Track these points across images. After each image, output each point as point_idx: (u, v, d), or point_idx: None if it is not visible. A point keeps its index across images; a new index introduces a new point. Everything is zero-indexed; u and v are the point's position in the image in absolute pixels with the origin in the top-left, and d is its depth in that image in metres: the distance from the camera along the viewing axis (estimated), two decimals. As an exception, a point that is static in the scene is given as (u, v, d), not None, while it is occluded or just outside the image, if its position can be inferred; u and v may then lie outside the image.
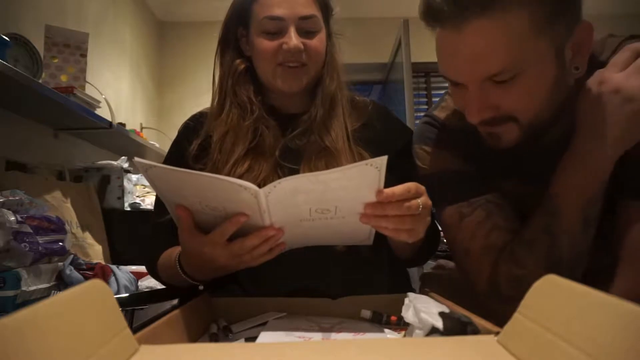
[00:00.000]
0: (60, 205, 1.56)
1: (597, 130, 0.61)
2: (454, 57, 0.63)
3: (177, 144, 0.90)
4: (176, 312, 0.55)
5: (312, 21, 0.82)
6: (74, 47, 1.71)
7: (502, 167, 0.73)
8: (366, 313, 0.64)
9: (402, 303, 0.55)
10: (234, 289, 0.82)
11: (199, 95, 3.04)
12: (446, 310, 0.48)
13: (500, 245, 0.69)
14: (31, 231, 1.01)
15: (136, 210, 1.87)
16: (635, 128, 0.60)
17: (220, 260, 0.62)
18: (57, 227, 1.10)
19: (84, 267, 1.18)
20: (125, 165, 1.91)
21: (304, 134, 0.84)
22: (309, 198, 0.56)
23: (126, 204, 1.86)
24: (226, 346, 0.44)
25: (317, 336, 0.55)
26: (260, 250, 0.61)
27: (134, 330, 0.40)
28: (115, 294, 1.15)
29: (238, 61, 0.88)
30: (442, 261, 1.01)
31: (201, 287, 0.79)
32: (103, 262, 1.41)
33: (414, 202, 0.58)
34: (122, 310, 0.38)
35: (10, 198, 1.04)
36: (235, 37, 0.89)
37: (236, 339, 0.60)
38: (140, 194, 1.98)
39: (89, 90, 1.80)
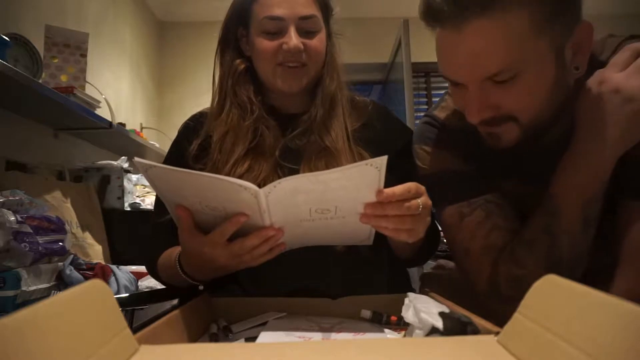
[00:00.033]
0: (60, 205, 1.56)
1: (597, 130, 0.61)
2: (454, 57, 0.63)
3: (177, 144, 0.90)
4: (176, 312, 0.55)
5: (312, 21, 0.82)
6: (74, 47, 1.71)
7: (502, 167, 0.73)
8: (366, 313, 0.64)
9: (402, 303, 0.55)
10: (234, 289, 0.82)
11: (199, 95, 3.04)
12: (446, 310, 0.48)
13: (500, 245, 0.69)
14: (31, 231, 1.01)
15: (136, 210, 1.87)
16: (635, 128, 0.60)
17: (220, 260, 0.62)
18: (57, 227, 1.10)
19: (84, 267, 1.18)
20: (125, 165, 1.91)
21: (304, 134, 0.84)
22: (309, 198, 0.56)
23: (126, 204, 1.86)
24: (226, 346, 0.44)
25: (317, 336, 0.55)
26: (260, 250, 0.61)
27: (134, 330, 0.40)
28: (115, 294, 1.15)
29: (238, 61, 0.88)
30: (442, 261, 1.01)
31: (201, 287, 0.79)
32: (103, 262, 1.41)
33: (414, 202, 0.58)
34: (122, 310, 0.38)
35: (10, 198, 1.04)
36: (235, 37, 0.89)
37: (236, 339, 0.60)
38: (140, 194, 1.98)
39: (89, 90, 1.80)
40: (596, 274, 0.63)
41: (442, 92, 0.79)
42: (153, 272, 0.85)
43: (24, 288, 0.96)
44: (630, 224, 0.62)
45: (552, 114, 0.65)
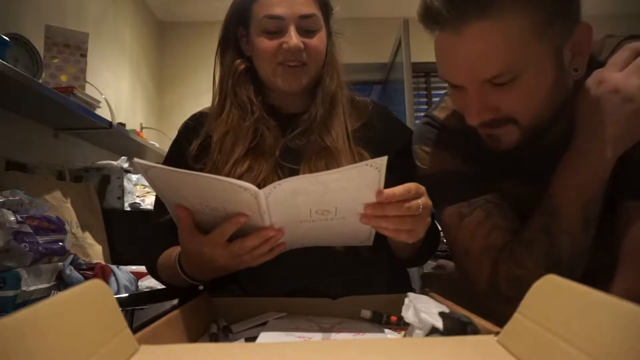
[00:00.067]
0: (60, 205, 1.56)
1: (597, 130, 0.61)
2: (453, 60, 0.63)
3: (177, 144, 0.90)
4: (176, 312, 0.55)
5: (312, 20, 0.82)
6: (74, 47, 1.71)
7: (502, 167, 0.73)
8: (366, 313, 0.64)
9: (402, 303, 0.55)
10: (234, 289, 0.82)
11: (199, 95, 3.04)
12: (446, 310, 0.48)
13: (500, 245, 0.69)
14: (31, 231, 1.01)
15: (136, 210, 1.87)
16: (635, 128, 0.60)
17: (220, 260, 0.62)
18: (57, 227, 1.10)
19: (84, 267, 1.18)
20: (125, 165, 1.91)
21: (304, 133, 0.84)
22: (309, 199, 0.56)
23: (126, 204, 1.86)
24: (226, 346, 0.44)
25: (317, 336, 0.55)
26: (260, 251, 0.61)
27: (134, 330, 0.40)
28: (115, 294, 1.15)
29: (238, 61, 0.88)
30: (442, 261, 1.01)
31: (201, 287, 0.79)
32: (103, 262, 1.41)
33: (414, 202, 0.58)
34: (122, 310, 0.38)
35: (10, 198, 1.04)
36: (235, 37, 0.89)
37: (236, 339, 0.60)
38: (140, 194, 1.98)
39: (89, 90, 1.80)
40: (596, 274, 0.63)
41: (442, 92, 0.79)
42: (153, 272, 0.85)
43: (24, 288, 0.96)
44: (630, 224, 0.62)
45: (551, 115, 0.65)
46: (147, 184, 1.93)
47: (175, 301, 0.98)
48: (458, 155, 0.75)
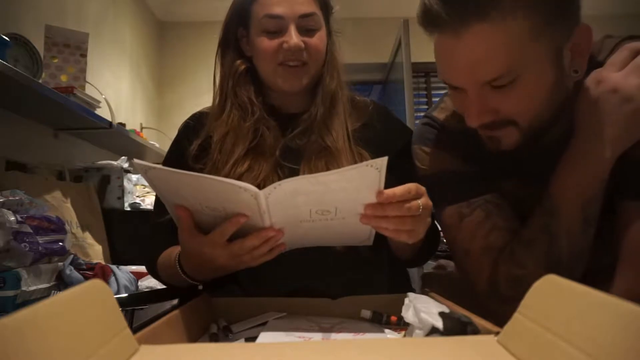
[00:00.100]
0: (60, 205, 1.56)
1: (596, 129, 0.61)
2: (452, 63, 0.63)
3: (177, 143, 0.90)
4: (176, 312, 0.55)
5: (312, 19, 0.82)
6: (74, 47, 1.71)
7: (502, 167, 0.73)
8: (366, 313, 0.64)
9: (402, 303, 0.55)
10: (234, 289, 0.82)
11: (199, 95, 3.04)
12: (446, 310, 0.48)
13: (500, 245, 0.69)
14: (31, 231, 1.01)
15: (136, 210, 1.87)
16: (634, 127, 0.60)
17: (220, 260, 0.62)
18: (57, 227, 1.10)
19: (84, 267, 1.18)
20: (125, 165, 1.91)
21: (305, 133, 0.84)
22: (309, 199, 0.56)
23: (126, 204, 1.86)
24: (226, 346, 0.44)
25: (317, 336, 0.55)
26: (260, 251, 0.61)
27: (134, 330, 0.40)
28: (115, 294, 1.15)
29: (238, 62, 0.88)
30: (442, 261, 1.01)
31: (200, 287, 0.79)
32: (103, 262, 1.41)
33: (414, 203, 0.58)
34: (122, 310, 0.38)
35: (10, 198, 1.04)
36: (235, 37, 0.89)
37: (236, 339, 0.60)
38: (140, 194, 1.98)
39: (89, 90, 1.80)
40: (596, 274, 0.63)
41: (442, 92, 0.79)
42: (153, 272, 0.85)
43: (24, 288, 0.96)
44: (630, 224, 0.62)
45: (551, 116, 0.65)
46: (147, 184, 1.93)
47: (175, 301, 0.98)
48: (458, 156, 0.75)
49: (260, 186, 0.73)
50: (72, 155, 1.93)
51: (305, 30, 0.82)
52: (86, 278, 1.12)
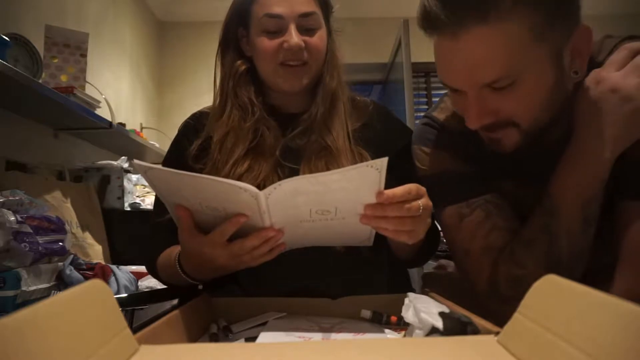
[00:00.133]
0: (60, 205, 1.56)
1: (596, 129, 0.61)
2: (451, 65, 0.63)
3: (177, 143, 0.90)
4: (176, 312, 0.55)
5: (312, 18, 0.82)
6: (74, 47, 1.71)
7: (502, 167, 0.73)
8: (366, 313, 0.64)
9: (402, 303, 0.55)
10: (234, 289, 0.82)
11: (199, 95, 3.04)
12: (446, 310, 0.48)
13: (500, 245, 0.69)
14: (31, 231, 1.01)
15: (136, 210, 1.87)
16: (634, 127, 0.60)
17: (220, 260, 0.62)
18: (57, 227, 1.10)
19: (84, 267, 1.18)
20: (125, 165, 1.91)
21: (305, 132, 0.84)
22: (309, 199, 0.56)
23: (126, 204, 1.86)
24: (226, 346, 0.44)
25: (317, 336, 0.55)
26: (260, 251, 0.61)
27: (134, 330, 0.40)
28: (115, 294, 1.15)
29: (239, 62, 0.88)
30: (443, 261, 1.01)
31: (200, 287, 0.79)
32: (103, 262, 1.41)
33: (414, 203, 0.58)
34: (122, 310, 0.38)
35: (10, 198, 1.04)
36: (235, 37, 0.89)
37: (236, 339, 0.60)
38: (140, 194, 1.98)
39: (89, 90, 1.80)
40: (596, 274, 0.63)
41: (442, 92, 0.79)
42: (153, 272, 0.85)
43: (24, 288, 0.96)
44: (630, 224, 0.62)
45: (552, 117, 0.65)
46: (147, 184, 1.93)
47: (175, 301, 0.98)
48: (458, 156, 0.75)
49: (260, 186, 0.73)
50: (72, 155, 1.93)
51: (305, 30, 0.82)
52: (86, 278, 1.12)
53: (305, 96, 0.88)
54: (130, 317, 1.14)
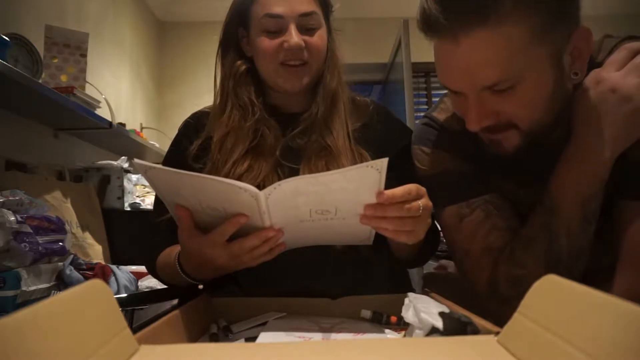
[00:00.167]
0: (60, 205, 1.56)
1: (595, 129, 0.61)
2: (451, 68, 0.63)
3: (177, 142, 0.90)
4: (176, 312, 0.55)
5: (312, 18, 0.82)
6: (74, 47, 1.71)
7: (502, 167, 0.73)
8: (366, 313, 0.64)
9: (402, 303, 0.54)
10: (234, 289, 0.82)
11: (199, 95, 3.04)
12: (446, 310, 0.48)
13: (500, 245, 0.69)
14: (31, 231, 1.01)
15: (136, 210, 1.87)
16: (633, 127, 0.60)
17: (220, 260, 0.62)
18: (57, 227, 1.10)
19: (84, 267, 1.18)
20: (125, 165, 1.91)
21: (305, 132, 0.84)
22: (309, 199, 0.56)
23: (126, 204, 1.86)
24: (226, 346, 0.44)
25: (317, 336, 0.55)
26: (259, 251, 0.61)
27: (134, 330, 0.40)
28: (115, 294, 1.15)
29: (239, 62, 0.88)
30: (444, 261, 1.01)
31: (200, 287, 0.79)
32: (103, 262, 1.41)
33: (414, 203, 0.58)
34: (122, 310, 0.38)
35: (10, 198, 1.04)
36: (236, 38, 0.89)
37: (236, 339, 0.60)
38: (140, 194, 1.98)
39: (89, 90, 1.80)
40: (596, 274, 0.63)
41: (442, 92, 0.79)
42: (152, 271, 0.85)
43: (24, 288, 0.96)
44: (630, 224, 0.62)
45: (552, 119, 0.65)
46: (147, 184, 1.93)
47: (175, 301, 0.98)
48: (458, 156, 0.75)
49: (260, 186, 0.73)
50: (72, 155, 1.93)
51: (306, 30, 0.82)
52: (86, 278, 1.12)
53: (306, 96, 0.88)
54: (130, 317, 1.14)
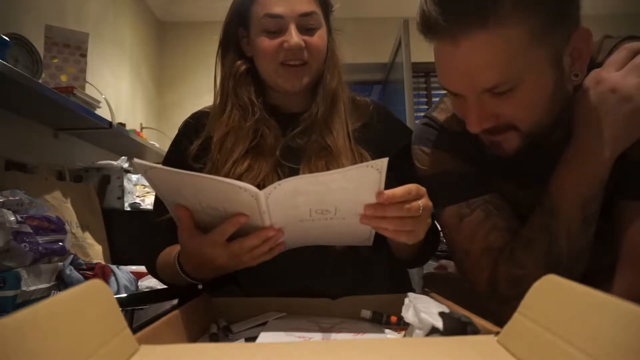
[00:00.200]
0: (60, 205, 1.56)
1: (595, 129, 0.61)
2: (451, 70, 0.63)
3: (177, 142, 0.90)
4: (176, 312, 0.55)
5: (312, 18, 0.82)
6: (74, 47, 1.71)
7: (502, 168, 0.73)
8: (366, 313, 0.64)
9: (402, 303, 0.54)
10: (234, 289, 0.82)
11: (199, 95, 3.04)
12: (446, 310, 0.48)
13: (500, 245, 0.69)
14: (31, 231, 1.01)
15: (136, 210, 1.87)
16: (633, 127, 0.60)
17: (220, 260, 0.62)
18: (57, 227, 1.10)
19: (84, 267, 1.18)
20: (125, 165, 1.91)
21: (305, 132, 0.84)
22: (309, 199, 0.56)
23: (126, 204, 1.86)
24: (226, 346, 0.44)
25: (317, 336, 0.55)
26: (259, 251, 0.61)
27: (134, 330, 0.40)
28: (115, 294, 1.15)
29: (239, 62, 0.88)
30: (444, 261, 1.01)
31: (200, 286, 0.79)
32: (103, 262, 1.41)
33: (414, 203, 0.58)
34: (122, 310, 0.38)
35: (10, 198, 1.04)
36: (236, 38, 0.89)
37: (236, 339, 0.60)
38: (140, 194, 1.98)
39: (89, 90, 1.80)
40: (596, 274, 0.63)
41: (442, 92, 0.79)
42: (152, 271, 0.85)
43: (24, 288, 0.96)
44: (630, 224, 0.62)
45: (552, 120, 0.65)
46: (147, 184, 1.93)
47: (175, 301, 0.98)
48: (458, 156, 0.75)
49: (260, 186, 0.73)
50: (72, 155, 1.93)
51: (306, 29, 0.82)
52: (86, 278, 1.12)
53: (306, 96, 0.88)
54: (130, 317, 1.14)
